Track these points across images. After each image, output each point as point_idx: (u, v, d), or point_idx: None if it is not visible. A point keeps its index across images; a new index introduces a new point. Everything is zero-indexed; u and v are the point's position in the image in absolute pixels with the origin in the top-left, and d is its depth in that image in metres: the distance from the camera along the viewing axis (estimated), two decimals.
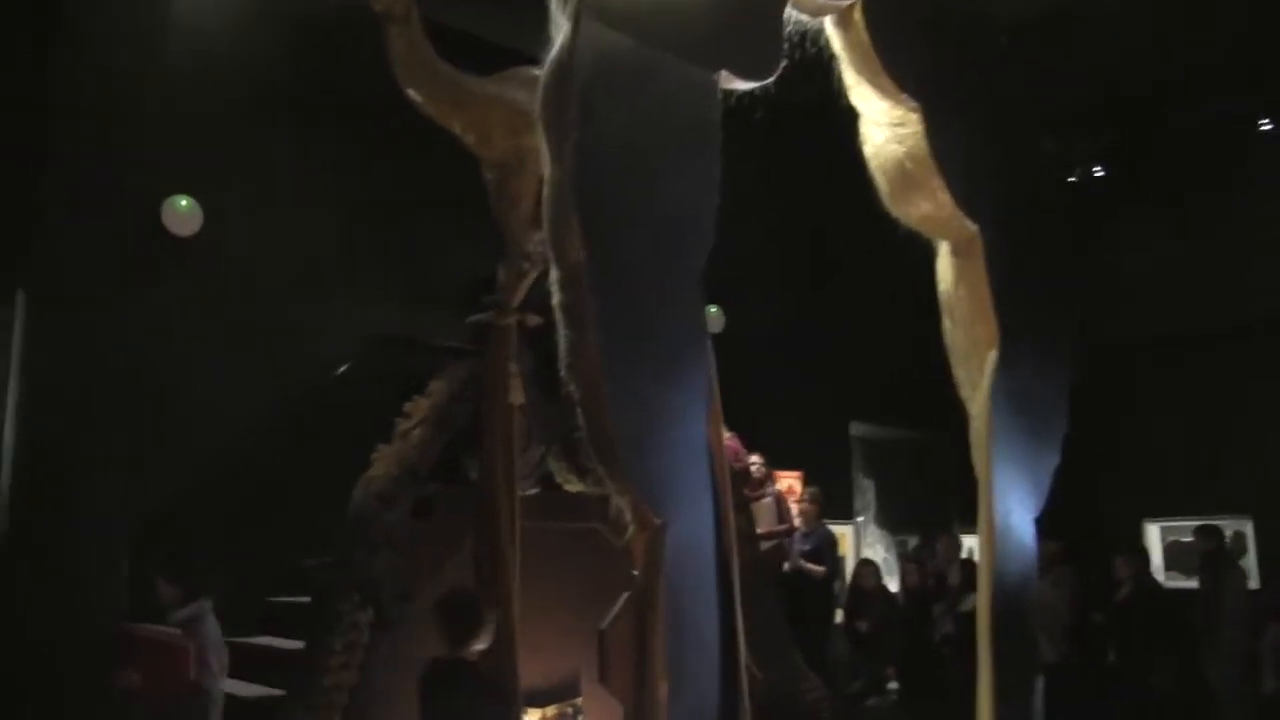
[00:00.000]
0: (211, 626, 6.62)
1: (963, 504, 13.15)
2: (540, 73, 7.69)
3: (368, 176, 8.70)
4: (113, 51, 7.17)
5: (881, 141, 6.29)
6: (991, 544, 5.45)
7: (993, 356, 5.52)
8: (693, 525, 4.52)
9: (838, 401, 13.26)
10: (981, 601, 5.43)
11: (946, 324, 6.02)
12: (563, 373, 4.45)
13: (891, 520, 14.81)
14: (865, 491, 14.45)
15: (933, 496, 14.62)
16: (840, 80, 6.05)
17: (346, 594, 6.60)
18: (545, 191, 4.50)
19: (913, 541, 14.48)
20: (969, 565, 10.55)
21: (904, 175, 6.16)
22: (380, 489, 6.88)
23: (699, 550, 4.51)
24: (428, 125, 6.97)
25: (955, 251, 6.17)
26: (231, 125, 8.16)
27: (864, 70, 5.99)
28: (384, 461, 6.97)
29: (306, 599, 7.12)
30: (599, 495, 7.31)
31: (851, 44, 5.92)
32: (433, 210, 8.72)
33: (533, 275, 7.60)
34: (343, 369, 8.37)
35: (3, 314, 6.50)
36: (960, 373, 6.18)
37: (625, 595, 4.35)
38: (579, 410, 4.41)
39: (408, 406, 7.16)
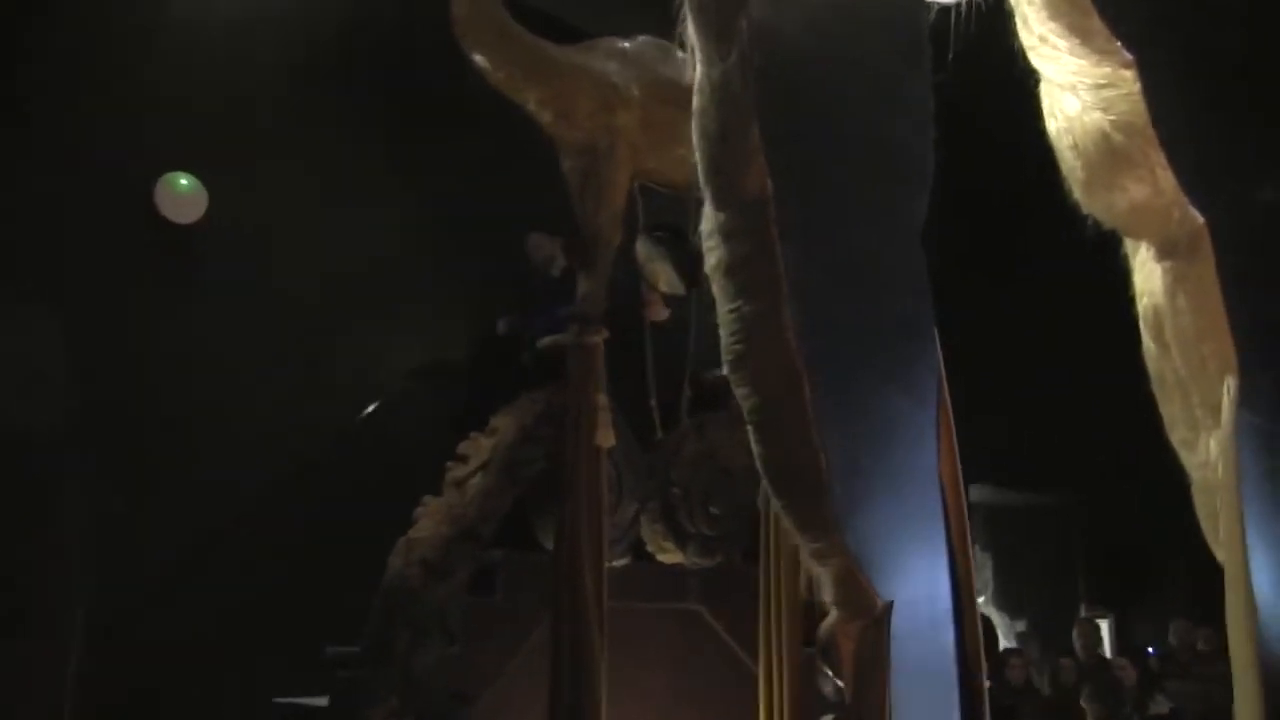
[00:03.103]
0: None
1: (1091, 581, 11.57)
2: (628, 43, 6.38)
3: (417, 159, 7.20)
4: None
5: (1077, 111, 5.06)
6: (1251, 638, 4.00)
7: (1230, 386, 4.21)
8: (927, 607, 2.99)
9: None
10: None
11: (1150, 347, 4.79)
12: (728, 368, 2.95)
13: (1010, 601, 13.14)
14: (983, 567, 12.77)
15: (1055, 572, 12.97)
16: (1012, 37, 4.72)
17: (379, 695, 5.16)
18: (699, 102, 3.27)
19: (1019, 625, 12.82)
20: (1136, 657, 9.01)
21: (1109, 152, 4.93)
22: (426, 555, 5.42)
23: (936, 646, 2.98)
24: (493, 99, 5.61)
25: (1169, 252, 4.88)
26: (249, 87, 6.66)
27: (1062, 14, 4.65)
28: (431, 518, 5.54)
29: (325, 701, 5.58)
30: (703, 569, 6.02)
31: None
32: (498, 204, 7.25)
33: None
34: (380, 400, 6.89)
35: None
36: (1174, 409, 4.97)
37: None
38: (754, 426, 2.90)
39: (463, 447, 5.71)
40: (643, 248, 6.56)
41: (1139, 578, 9.81)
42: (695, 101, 3.23)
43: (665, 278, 6.64)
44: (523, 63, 5.71)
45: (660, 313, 6.66)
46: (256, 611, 5.89)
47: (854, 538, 2.86)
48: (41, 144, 5.53)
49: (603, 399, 5.64)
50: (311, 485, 6.34)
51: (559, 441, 5.61)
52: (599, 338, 5.71)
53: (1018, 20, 4.83)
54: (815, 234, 3.02)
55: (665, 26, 6.38)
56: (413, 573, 5.32)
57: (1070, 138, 4.95)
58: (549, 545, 5.67)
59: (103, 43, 5.81)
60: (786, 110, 3.05)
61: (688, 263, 6.63)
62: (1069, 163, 4.99)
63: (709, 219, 3.16)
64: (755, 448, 3.00)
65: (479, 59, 5.61)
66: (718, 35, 3.10)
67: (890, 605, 2.89)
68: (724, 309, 3.05)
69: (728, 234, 3.03)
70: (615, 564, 5.85)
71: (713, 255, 3.12)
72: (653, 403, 6.42)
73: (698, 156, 3.19)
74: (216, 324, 6.23)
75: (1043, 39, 4.84)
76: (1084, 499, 11.50)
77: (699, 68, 3.23)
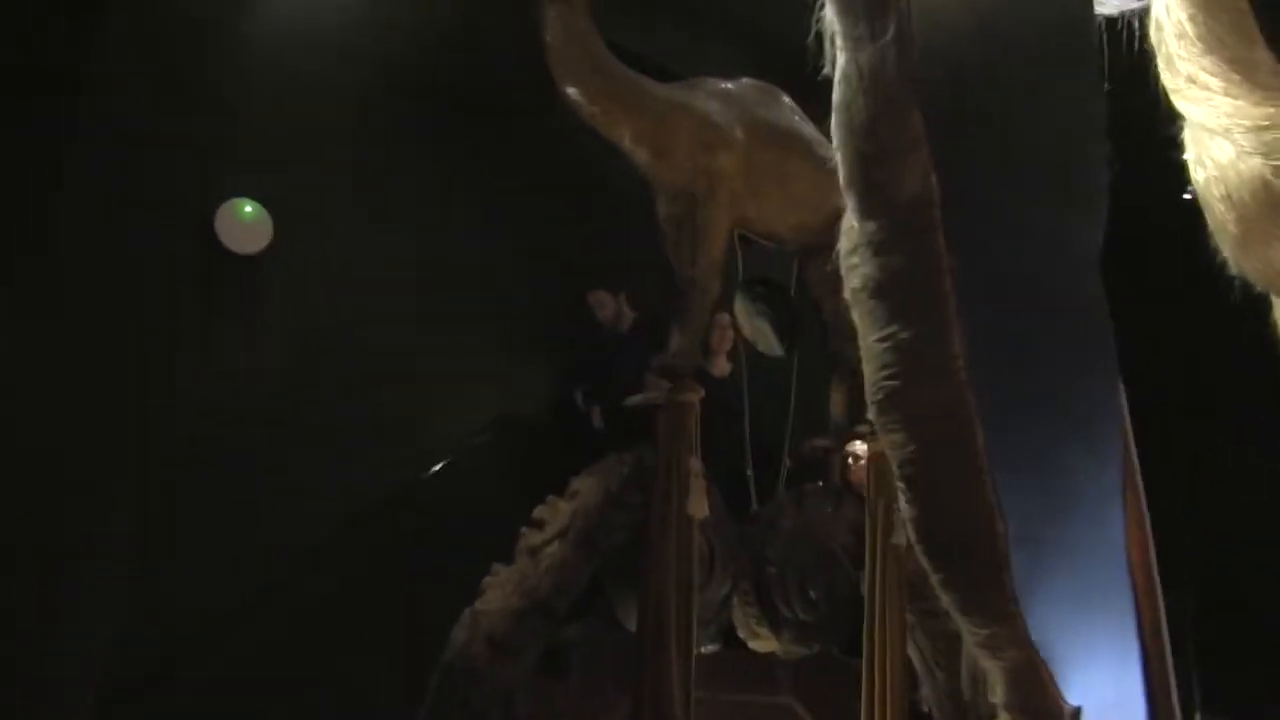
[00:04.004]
0: None
1: (1206, 682, 10.55)
2: (730, 85, 5.95)
3: (501, 194, 6.73)
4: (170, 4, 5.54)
5: (1230, 157, 4.38)
6: None
7: None
8: (1117, 716, 2.39)
9: None
10: None
11: None
12: (875, 409, 2.39)
13: None
14: None
15: None
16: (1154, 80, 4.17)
17: None
18: (842, 94, 2.77)
19: None
20: None
21: (1269, 203, 4.24)
22: (494, 630, 4.81)
23: None
24: (586, 136, 5.18)
25: None
26: (322, 109, 6.20)
27: (1222, 46, 4.11)
28: (501, 589, 4.97)
29: None
30: (798, 659, 5.43)
31: (1209, 9, 4.08)
32: (585, 245, 6.77)
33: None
34: (448, 454, 6.35)
35: None
36: None
37: None
38: (907, 480, 2.34)
39: (540, 512, 5.14)
40: (741, 304, 6.05)
41: (1264, 679, 8.86)
42: (837, 95, 2.74)
43: (763, 338, 6.12)
44: (619, 97, 5.28)
45: (723, 366, 6.15)
46: (301, 682, 5.33)
47: (1034, 622, 2.27)
48: (99, 166, 5.17)
49: (695, 464, 5.05)
50: (368, 545, 5.78)
51: (646, 509, 5.02)
52: (694, 396, 5.14)
53: (1160, 61, 4.35)
54: (984, 248, 2.49)
55: (761, 72, 5.99)
56: (477, 650, 4.73)
57: (1222, 188, 4.43)
58: (630, 625, 5.09)
59: (168, 62, 5.44)
60: (950, 98, 2.54)
61: (788, 322, 6.14)
62: (1219, 216, 4.47)
63: (852, 233, 2.65)
64: (907, 508, 2.44)
65: (572, 92, 5.19)
66: (870, 11, 2.60)
67: (1079, 712, 2.30)
68: (871, 338, 2.51)
69: (878, 246, 2.51)
70: (703, 650, 5.22)
71: (856, 275, 2.60)
72: (749, 471, 5.82)
73: (840, 158, 2.68)
74: (275, 363, 5.76)
75: (1191, 79, 4.36)
76: (1194, 585, 10.54)
77: (842, 56, 2.74)
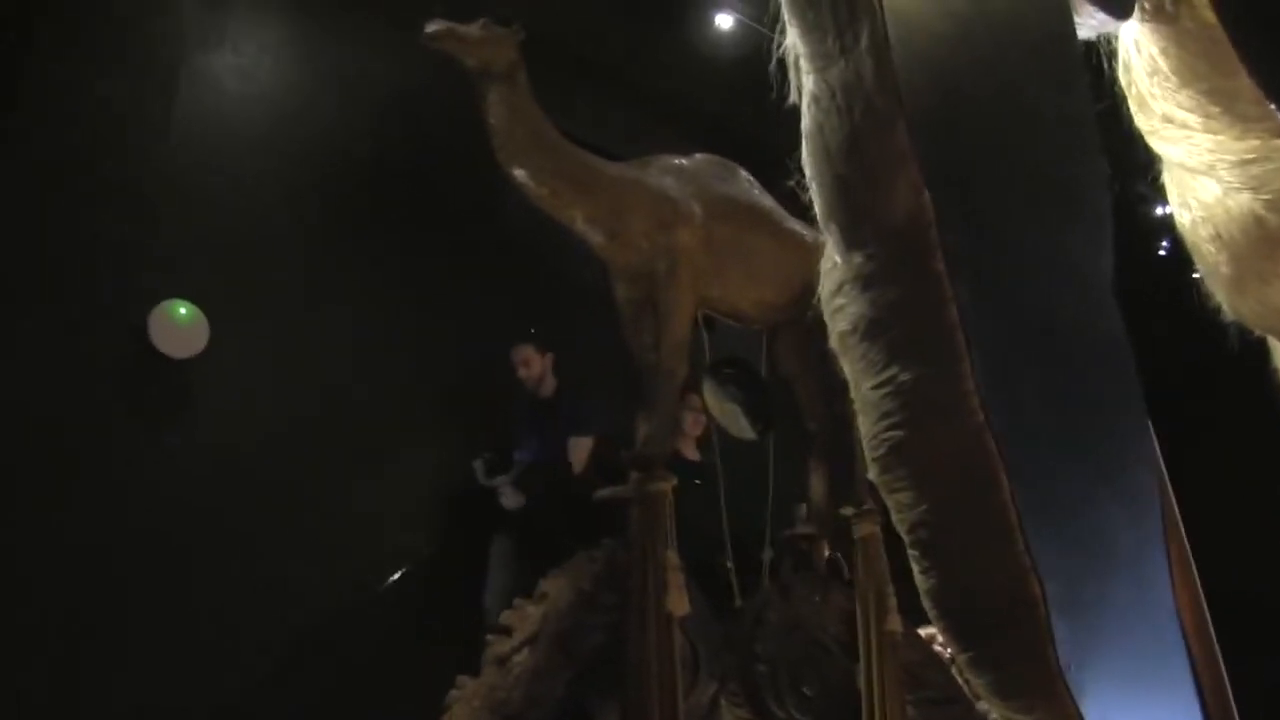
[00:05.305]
0: None
1: None
2: (684, 160, 5.78)
3: (451, 284, 6.43)
4: (97, 90, 5.34)
5: (1216, 196, 4.39)
6: None
7: None
8: None
9: None
10: None
11: None
12: (878, 467, 2.07)
13: None
14: None
15: None
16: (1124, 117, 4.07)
17: None
18: (812, 119, 2.52)
19: None
20: None
21: (1264, 238, 4.44)
22: None
23: None
24: (536, 219, 4.93)
25: None
26: (261, 206, 5.87)
27: (1198, 79, 3.99)
28: (468, 704, 4.53)
29: None
30: None
31: (1182, 41, 3.96)
32: (543, 334, 6.47)
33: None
34: (404, 563, 5.96)
35: None
36: None
37: None
38: (921, 545, 2.03)
39: (507, 617, 4.71)
40: (710, 388, 5.73)
41: None
42: (807, 121, 2.45)
43: (734, 422, 5.79)
44: (568, 177, 5.00)
45: (691, 451, 5.85)
46: None
47: (1089, 704, 1.92)
48: (26, 264, 4.90)
49: (673, 558, 4.67)
50: (316, 667, 5.36)
51: (622, 609, 4.63)
52: (666, 485, 4.79)
53: (1132, 102, 4.16)
54: (990, 273, 2.18)
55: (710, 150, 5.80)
56: None
57: (1210, 228, 4.30)
58: None
59: (89, 157, 5.19)
60: (935, 108, 2.26)
61: (760, 405, 5.82)
62: (1209, 258, 4.30)
63: (834, 272, 2.34)
64: (922, 579, 2.09)
65: (519, 174, 4.90)
66: (838, 24, 2.33)
67: None
68: (867, 385, 2.18)
69: (869, 278, 2.19)
70: None
71: (843, 317, 2.28)
72: (729, 563, 5.44)
73: (815, 189, 2.39)
74: (214, 475, 5.37)
75: (1167, 119, 4.21)
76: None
77: (809, 78, 2.47)
